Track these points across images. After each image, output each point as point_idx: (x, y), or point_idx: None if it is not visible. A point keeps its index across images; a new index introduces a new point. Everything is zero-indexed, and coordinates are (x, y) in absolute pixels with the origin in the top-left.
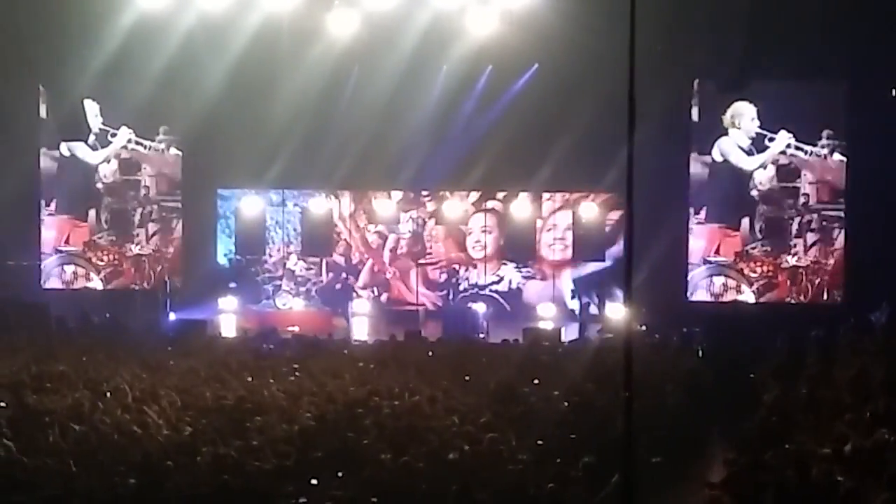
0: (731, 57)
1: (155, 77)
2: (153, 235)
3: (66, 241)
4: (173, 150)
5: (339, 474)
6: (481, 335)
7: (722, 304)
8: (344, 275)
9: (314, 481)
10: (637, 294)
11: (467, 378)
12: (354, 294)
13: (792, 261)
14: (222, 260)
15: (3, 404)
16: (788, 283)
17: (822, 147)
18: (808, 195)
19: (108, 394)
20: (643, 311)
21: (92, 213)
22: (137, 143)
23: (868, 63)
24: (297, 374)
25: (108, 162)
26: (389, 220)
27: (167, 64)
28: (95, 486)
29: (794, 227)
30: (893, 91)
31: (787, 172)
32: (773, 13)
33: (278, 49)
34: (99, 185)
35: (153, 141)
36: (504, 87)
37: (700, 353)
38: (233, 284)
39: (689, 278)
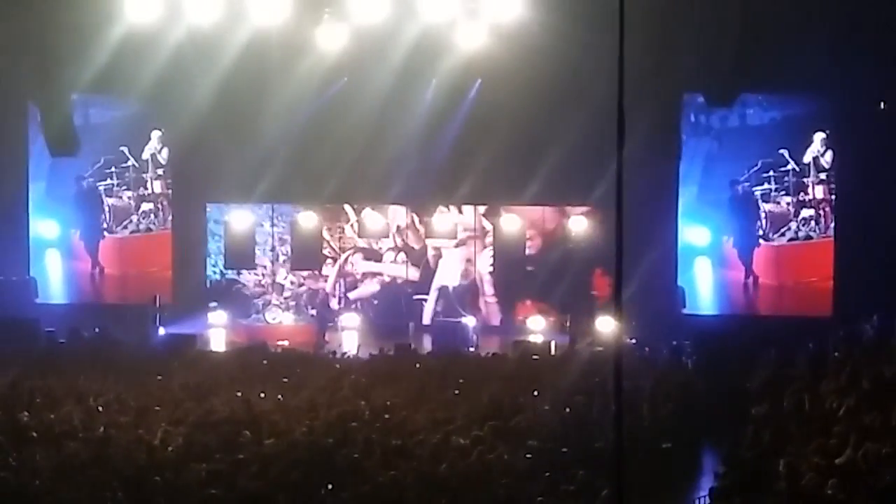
0: (720, 70)
1: (144, 91)
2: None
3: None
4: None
5: (329, 487)
6: (471, 348)
7: (712, 316)
8: (332, 289)
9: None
10: (627, 307)
11: (457, 392)
12: (338, 308)
13: None
14: (211, 274)
15: None
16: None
17: (810, 160)
18: (796, 207)
19: (99, 409)
20: (633, 324)
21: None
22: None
23: (857, 76)
24: (286, 388)
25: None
26: (379, 233)
27: (156, 78)
28: (86, 501)
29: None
30: (882, 104)
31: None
32: (763, 27)
33: (268, 63)
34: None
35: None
36: (494, 100)
37: (690, 365)
38: (213, 303)
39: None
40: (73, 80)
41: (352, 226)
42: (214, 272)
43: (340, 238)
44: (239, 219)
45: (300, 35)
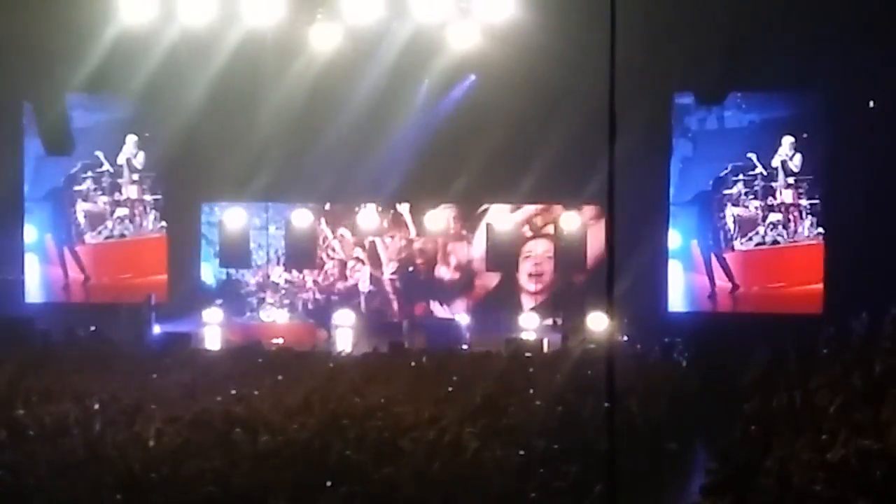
0: (710, 69)
1: (138, 90)
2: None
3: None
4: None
5: (329, 485)
6: (464, 346)
7: (703, 314)
8: (326, 286)
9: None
10: (618, 305)
11: (451, 389)
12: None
13: None
14: (206, 273)
15: None
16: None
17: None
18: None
19: (94, 407)
20: (625, 322)
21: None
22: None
23: (847, 74)
24: (281, 386)
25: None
26: (372, 232)
27: (150, 77)
28: (82, 498)
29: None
30: (871, 102)
31: (764, 184)
32: (753, 25)
33: (261, 63)
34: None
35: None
36: (486, 99)
37: (684, 363)
38: (219, 301)
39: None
40: (67, 80)
41: (347, 224)
42: (209, 270)
43: (334, 236)
44: (233, 217)
45: (293, 35)
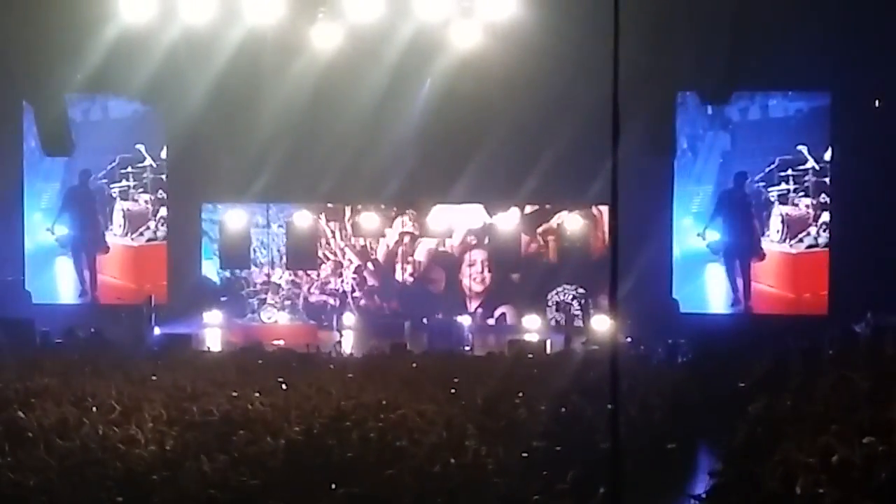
0: (715, 68)
1: (138, 91)
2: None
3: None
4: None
5: (333, 487)
6: (466, 348)
7: (707, 315)
8: (329, 288)
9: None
10: (622, 306)
11: (453, 391)
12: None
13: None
14: (207, 274)
15: None
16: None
17: (806, 159)
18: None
19: (94, 409)
20: (628, 323)
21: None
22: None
23: (852, 74)
24: (282, 387)
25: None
26: (374, 233)
27: (151, 78)
28: (82, 500)
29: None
30: (877, 102)
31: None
32: (757, 24)
33: (262, 63)
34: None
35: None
36: (488, 99)
37: (685, 364)
38: (224, 298)
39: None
40: (67, 80)
41: (348, 225)
42: (210, 272)
43: (335, 237)
44: (234, 218)
45: (295, 34)
